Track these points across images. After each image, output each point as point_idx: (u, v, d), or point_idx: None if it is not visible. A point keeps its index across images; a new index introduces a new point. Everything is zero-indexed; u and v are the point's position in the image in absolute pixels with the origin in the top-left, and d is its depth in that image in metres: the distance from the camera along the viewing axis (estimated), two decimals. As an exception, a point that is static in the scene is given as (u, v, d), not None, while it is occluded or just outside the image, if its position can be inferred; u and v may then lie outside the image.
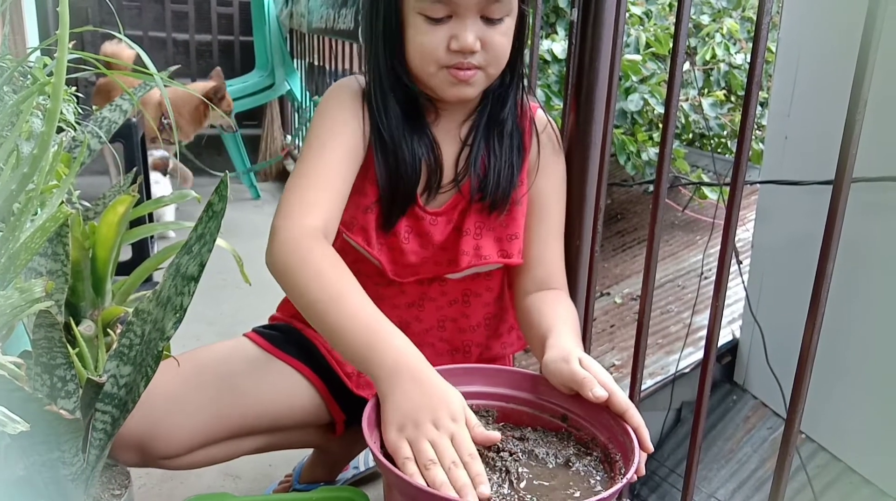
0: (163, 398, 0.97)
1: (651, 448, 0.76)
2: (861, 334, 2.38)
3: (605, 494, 0.70)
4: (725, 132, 3.73)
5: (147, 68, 0.98)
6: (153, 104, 2.95)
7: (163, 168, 2.98)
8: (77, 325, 1.00)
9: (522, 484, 0.75)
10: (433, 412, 0.74)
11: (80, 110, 1.25)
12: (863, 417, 2.47)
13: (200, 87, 3.23)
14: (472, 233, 1.03)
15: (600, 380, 0.80)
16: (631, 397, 1.10)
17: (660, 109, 3.44)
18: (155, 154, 2.93)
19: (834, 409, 2.49)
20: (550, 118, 1.10)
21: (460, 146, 1.03)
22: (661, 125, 3.82)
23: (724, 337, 3.08)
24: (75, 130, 1.22)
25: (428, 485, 0.68)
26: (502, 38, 0.93)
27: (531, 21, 1.08)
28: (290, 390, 1.05)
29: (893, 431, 2.26)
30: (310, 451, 1.30)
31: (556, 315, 0.96)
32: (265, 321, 1.19)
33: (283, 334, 1.11)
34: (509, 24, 0.94)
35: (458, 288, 1.08)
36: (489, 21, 0.91)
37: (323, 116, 0.99)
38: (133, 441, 0.95)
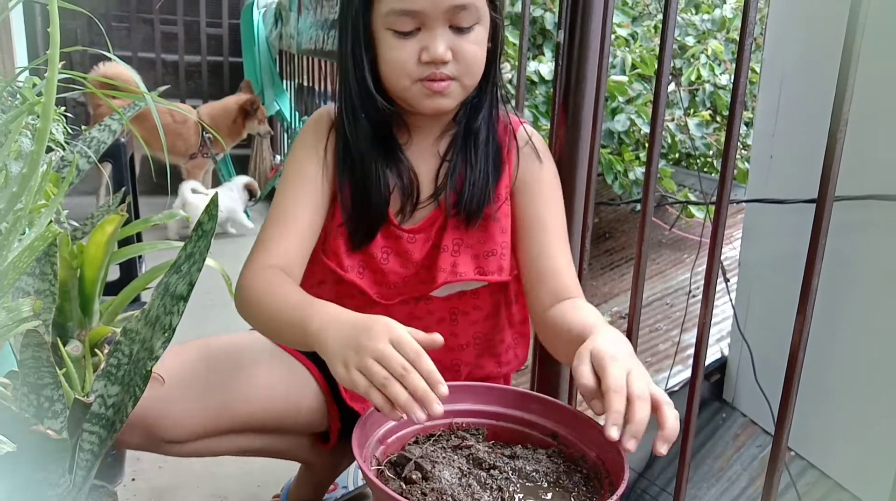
0: (175, 381, 0.97)
1: (614, 438, 0.70)
2: (848, 351, 2.40)
3: (594, 511, 0.70)
4: (711, 152, 3.76)
5: (138, 88, 0.98)
6: (191, 124, 3.24)
7: (253, 190, 3.41)
8: (64, 345, 0.99)
9: (512, 502, 0.75)
10: (366, 331, 0.75)
11: (69, 130, 1.25)
12: (852, 434, 2.48)
13: (235, 100, 3.43)
14: (451, 250, 1.03)
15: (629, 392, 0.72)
16: (620, 414, 1.10)
17: (646, 129, 3.48)
18: (245, 179, 3.42)
19: (823, 426, 2.50)
20: (534, 130, 1.08)
21: (438, 162, 1.03)
22: (647, 145, 3.85)
23: (712, 355, 3.09)
24: (64, 149, 1.22)
25: (393, 405, 0.70)
26: (473, 46, 0.93)
27: (519, 43, 1.09)
28: (298, 387, 1.06)
29: (881, 447, 2.27)
30: (296, 472, 1.29)
31: (584, 320, 0.91)
32: (252, 340, 1.18)
33: None
34: (480, 33, 0.94)
35: (444, 307, 1.08)
36: (459, 30, 0.91)
37: (290, 160, 1.03)
38: (141, 423, 0.95)
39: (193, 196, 3.16)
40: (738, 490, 2.90)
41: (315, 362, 1.07)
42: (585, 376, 0.74)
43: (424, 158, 1.03)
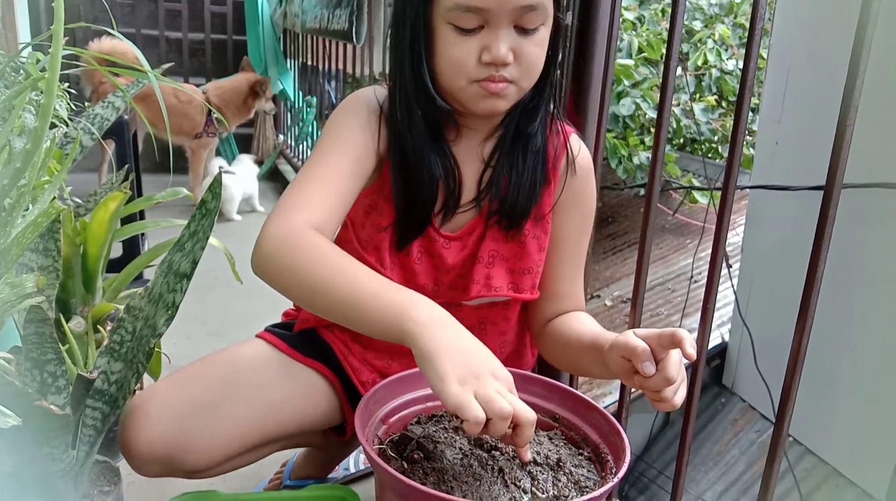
0: (193, 413, 0.94)
1: (693, 355, 0.75)
2: (847, 337, 2.40)
3: (596, 493, 0.70)
4: (716, 137, 3.75)
5: (140, 64, 0.97)
6: (196, 104, 3.21)
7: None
8: (67, 321, 1.00)
9: (516, 483, 0.75)
10: (488, 366, 0.71)
11: (72, 107, 1.25)
12: (850, 420, 2.49)
13: (245, 79, 3.46)
14: (486, 261, 1.00)
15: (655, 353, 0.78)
16: (621, 399, 1.10)
17: (651, 114, 3.46)
18: (250, 156, 3.45)
19: (821, 412, 2.51)
20: (582, 142, 1.04)
21: (482, 166, 0.99)
22: (652, 130, 3.84)
23: (713, 340, 3.10)
24: (67, 126, 1.22)
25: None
26: (536, 48, 0.88)
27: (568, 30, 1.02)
28: (313, 394, 1.04)
29: (879, 433, 2.28)
30: (300, 449, 1.30)
31: (594, 329, 0.96)
32: (256, 321, 1.18)
33: (298, 334, 1.09)
34: (544, 34, 0.89)
35: (474, 315, 1.05)
36: (523, 31, 0.86)
37: (333, 125, 0.96)
38: (162, 456, 0.92)
39: (224, 176, 3.18)
40: (736, 474, 2.92)
41: (323, 361, 1.07)
42: (641, 341, 0.78)
43: (469, 160, 0.99)
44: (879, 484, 2.42)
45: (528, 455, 0.75)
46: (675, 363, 0.77)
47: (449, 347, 0.71)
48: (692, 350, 0.74)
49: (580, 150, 1.02)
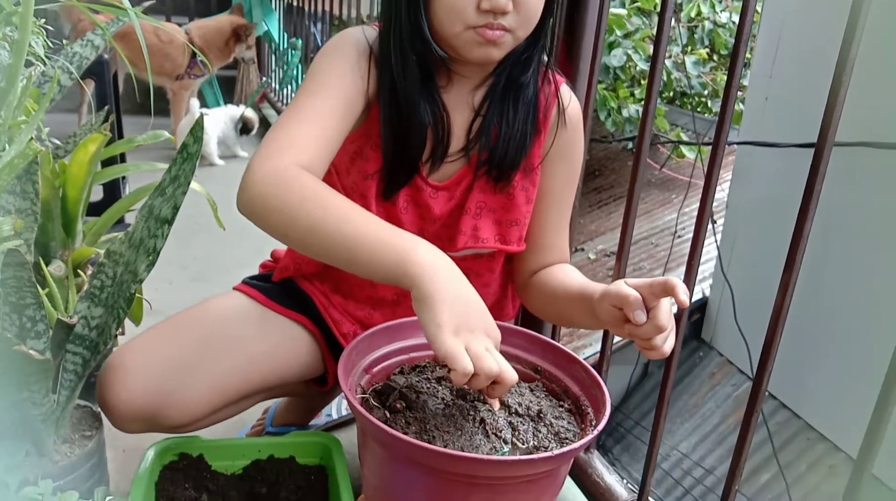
0: (173, 369, 0.93)
1: (686, 302, 0.76)
2: (825, 295, 2.43)
3: (575, 445, 0.71)
4: (706, 91, 3.73)
5: (121, 3, 0.94)
6: (178, 44, 3.13)
7: (249, 124, 3.35)
8: (47, 265, 0.98)
9: (497, 434, 0.76)
10: (483, 322, 0.72)
11: (49, 44, 1.21)
12: (824, 376, 2.55)
13: (229, 21, 3.38)
14: (473, 212, 0.99)
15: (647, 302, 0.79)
16: (602, 352, 1.11)
17: (643, 66, 3.42)
18: (246, 111, 3.37)
19: (797, 369, 2.56)
20: (573, 94, 1.03)
21: (472, 115, 0.97)
22: (643, 82, 3.80)
23: (694, 295, 3.14)
24: (45, 64, 1.18)
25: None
26: None
27: None
28: (294, 346, 1.04)
29: (853, 390, 2.33)
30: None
31: (581, 280, 0.96)
32: (239, 266, 1.18)
33: (277, 286, 1.08)
34: None
35: (460, 266, 1.06)
36: None
37: (321, 65, 0.93)
38: (144, 414, 0.92)
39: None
40: (711, 426, 2.99)
41: (303, 312, 1.06)
42: (633, 291, 0.78)
43: (459, 108, 0.97)
44: (850, 439, 2.49)
45: (497, 404, 0.78)
46: (666, 312, 0.77)
47: (450, 295, 0.71)
48: (685, 297, 0.75)
49: (570, 100, 1.01)
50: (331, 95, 0.89)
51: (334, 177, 1.01)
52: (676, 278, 0.76)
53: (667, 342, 0.79)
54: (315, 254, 0.82)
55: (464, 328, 0.70)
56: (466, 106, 0.97)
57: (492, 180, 0.98)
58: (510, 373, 0.70)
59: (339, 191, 0.99)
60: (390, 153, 0.95)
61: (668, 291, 0.75)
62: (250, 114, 3.38)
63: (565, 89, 1.01)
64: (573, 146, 1.03)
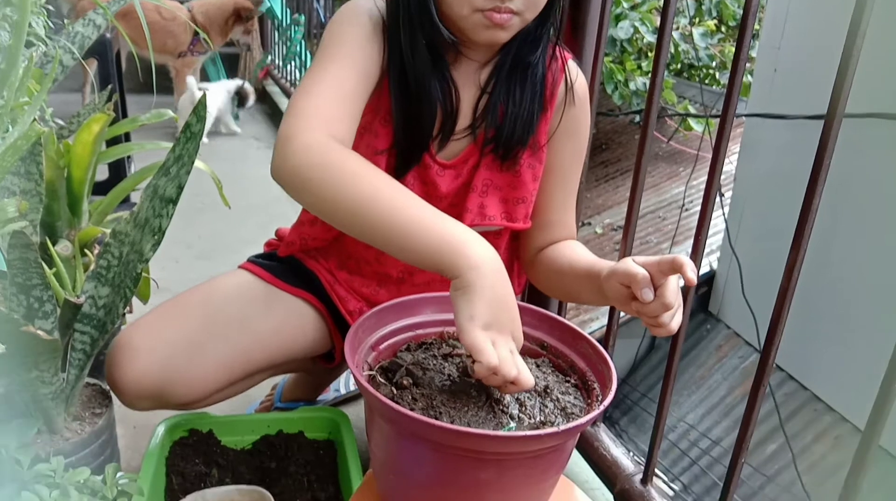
0: (180, 347, 0.95)
1: (694, 280, 0.75)
2: (832, 267, 2.42)
3: (582, 420, 0.71)
4: (714, 63, 3.68)
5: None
6: (180, 21, 3.15)
7: (245, 95, 3.37)
8: (54, 245, 0.99)
9: (504, 410, 0.76)
10: (512, 324, 0.73)
11: (50, 24, 1.20)
12: (831, 348, 2.55)
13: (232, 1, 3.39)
14: (479, 190, 0.99)
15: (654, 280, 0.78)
16: (609, 327, 1.11)
17: (650, 38, 3.38)
18: (238, 82, 3.39)
19: (804, 340, 2.56)
20: (579, 70, 1.02)
21: (478, 92, 0.97)
22: (650, 54, 3.76)
23: (701, 268, 3.14)
24: (46, 45, 1.17)
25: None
26: None
27: None
28: (300, 323, 1.04)
29: (859, 361, 2.33)
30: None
31: (589, 257, 0.96)
32: (244, 244, 1.18)
33: (282, 264, 1.09)
34: None
35: None
36: None
37: (337, 34, 0.91)
38: (152, 392, 0.94)
39: (200, 92, 3.15)
40: (717, 398, 3.00)
41: (309, 290, 1.06)
42: (641, 268, 0.78)
43: (466, 85, 0.96)
44: (856, 410, 2.49)
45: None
46: (674, 290, 0.77)
47: (492, 292, 0.72)
48: (693, 275, 0.74)
49: (578, 77, 1.00)
50: (352, 64, 0.88)
51: None
52: (685, 256, 0.75)
53: (674, 320, 0.79)
54: (355, 233, 0.79)
55: (494, 327, 0.71)
56: (473, 84, 0.96)
57: (498, 158, 0.98)
58: (527, 378, 0.71)
59: None
60: (401, 132, 0.94)
61: (676, 268, 0.75)
62: (248, 87, 3.38)
63: (572, 65, 1.00)
64: (580, 123, 1.02)
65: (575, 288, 0.97)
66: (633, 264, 0.79)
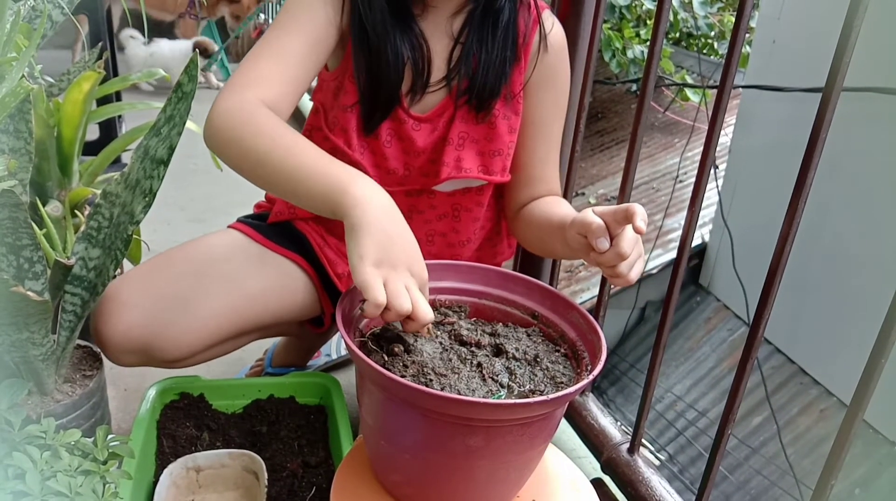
0: (168, 302, 0.94)
1: (643, 229, 0.75)
2: (822, 242, 2.43)
3: (571, 389, 0.72)
4: (713, 33, 3.65)
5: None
6: None
7: (202, 47, 3.35)
8: (44, 205, 0.98)
9: (494, 378, 0.76)
10: (408, 259, 0.73)
11: (38, -23, 1.17)
12: (818, 322, 2.57)
13: None
14: (455, 143, 0.98)
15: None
16: (599, 297, 1.12)
17: (649, 5, 3.34)
18: (199, 40, 3.41)
19: (792, 314, 2.58)
20: (556, 19, 1.01)
21: (451, 42, 0.96)
22: (649, 22, 3.72)
23: (693, 241, 3.14)
24: (34, -2, 1.15)
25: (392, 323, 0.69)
26: None
27: None
28: (289, 284, 1.04)
29: (846, 336, 2.35)
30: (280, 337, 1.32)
31: (565, 211, 0.95)
32: (237, 208, 1.17)
33: (272, 225, 1.08)
34: None
35: (447, 202, 1.05)
36: None
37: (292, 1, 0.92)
38: (138, 346, 0.93)
39: (132, 43, 3.14)
40: (706, 369, 3.03)
41: (299, 253, 1.06)
42: (596, 218, 0.78)
43: (437, 36, 0.95)
44: (842, 385, 2.52)
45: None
46: (629, 239, 0.77)
47: (378, 228, 0.72)
48: (642, 224, 0.74)
49: (553, 26, 1.00)
50: (301, 32, 0.89)
51: (321, 116, 1.00)
52: (638, 206, 0.75)
53: (632, 270, 0.79)
54: (263, 185, 0.84)
55: (385, 263, 0.71)
56: (444, 34, 0.96)
57: (473, 110, 0.97)
58: (425, 312, 0.71)
59: (325, 130, 0.98)
60: (364, 87, 0.94)
61: (628, 218, 0.75)
62: (203, 39, 3.40)
63: (548, 15, 1.00)
64: (557, 72, 1.01)
65: (549, 242, 0.97)
66: (590, 214, 0.79)
